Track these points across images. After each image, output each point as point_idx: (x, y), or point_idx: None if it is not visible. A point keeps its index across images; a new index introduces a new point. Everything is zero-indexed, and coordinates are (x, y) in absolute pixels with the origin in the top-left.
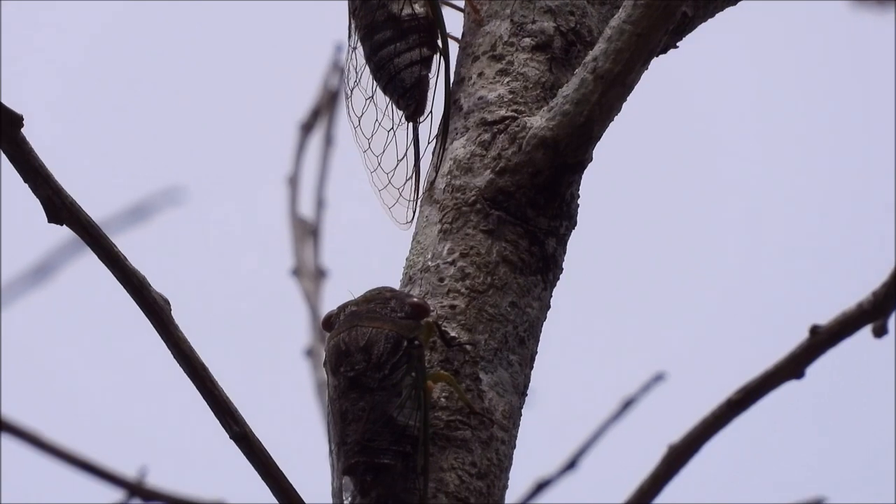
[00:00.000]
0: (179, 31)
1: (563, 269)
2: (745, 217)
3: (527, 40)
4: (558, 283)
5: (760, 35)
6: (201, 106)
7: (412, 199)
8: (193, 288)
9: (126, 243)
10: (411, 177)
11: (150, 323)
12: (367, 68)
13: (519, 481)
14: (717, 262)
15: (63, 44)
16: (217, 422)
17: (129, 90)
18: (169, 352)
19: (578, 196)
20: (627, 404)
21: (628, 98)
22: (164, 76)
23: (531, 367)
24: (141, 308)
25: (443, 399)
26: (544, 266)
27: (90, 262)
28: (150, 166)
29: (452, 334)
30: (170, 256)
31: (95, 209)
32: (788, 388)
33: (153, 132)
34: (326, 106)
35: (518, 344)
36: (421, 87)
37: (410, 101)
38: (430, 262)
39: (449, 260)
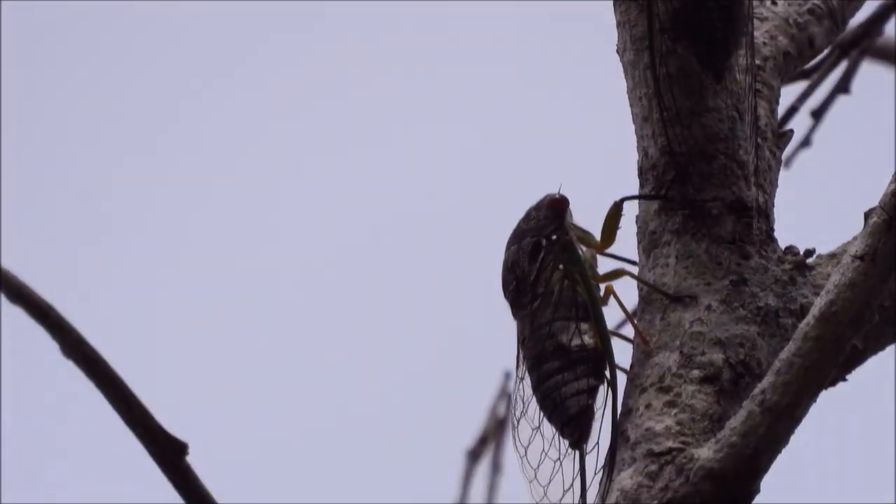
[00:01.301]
0: (354, 352)
1: None
2: None
3: (695, 372)
4: None
5: None
6: (378, 431)
7: None
8: None
9: None
10: None
11: None
12: (535, 399)
13: None
14: None
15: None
16: None
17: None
18: None
19: None
20: None
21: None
22: (336, 396)
23: None
24: None
25: None
26: None
27: None
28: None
29: None
30: None
31: None
32: None
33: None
34: (494, 433)
35: None
36: (586, 416)
37: (575, 429)
38: None
39: None
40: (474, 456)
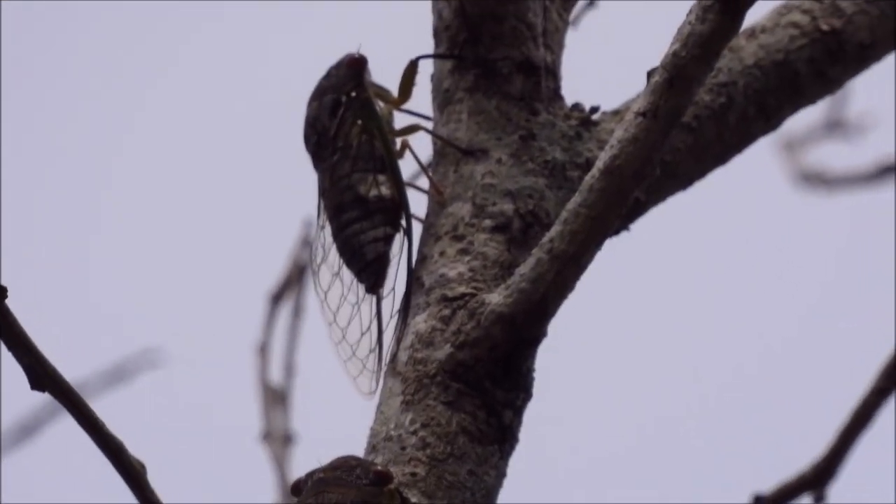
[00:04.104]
0: (157, 203)
1: (518, 438)
2: (688, 384)
3: (487, 221)
4: (514, 453)
5: (709, 215)
6: (180, 276)
7: (375, 370)
8: (168, 449)
9: (104, 404)
10: (374, 349)
11: (126, 485)
12: (334, 246)
13: None
14: (662, 429)
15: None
16: None
17: (109, 255)
18: None
19: (533, 369)
20: None
21: (582, 277)
22: (143, 244)
23: None
24: (118, 471)
25: None
26: (501, 436)
27: (70, 424)
28: (130, 330)
29: (414, 500)
30: (146, 418)
31: (76, 368)
32: None
33: (133, 297)
34: (296, 278)
35: None
36: (380, 262)
37: (371, 275)
38: (392, 432)
39: (411, 430)
40: (276, 299)
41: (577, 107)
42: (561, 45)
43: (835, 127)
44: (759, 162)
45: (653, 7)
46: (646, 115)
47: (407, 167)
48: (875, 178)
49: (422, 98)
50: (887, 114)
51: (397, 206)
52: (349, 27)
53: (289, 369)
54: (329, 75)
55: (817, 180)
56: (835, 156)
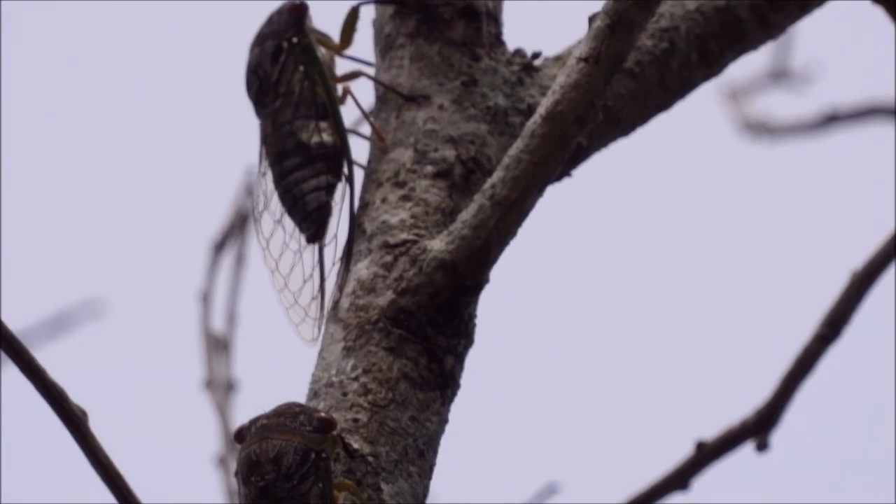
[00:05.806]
0: (98, 149)
1: (460, 385)
2: (631, 332)
3: (429, 168)
4: (456, 399)
5: (652, 163)
6: (123, 224)
7: (317, 317)
8: (111, 397)
9: (47, 353)
10: (316, 296)
11: (68, 432)
12: (276, 193)
13: None
14: (603, 376)
15: None
16: None
17: (50, 201)
18: (87, 460)
19: (475, 315)
20: None
21: (524, 223)
22: (86, 191)
23: (430, 478)
24: (60, 419)
25: None
26: (443, 382)
27: (12, 373)
28: (71, 278)
29: (355, 446)
30: (89, 366)
31: (18, 317)
32: (674, 499)
33: (76, 246)
34: (238, 226)
35: (417, 456)
36: (321, 211)
37: (311, 224)
38: (334, 378)
39: (352, 376)
40: (219, 247)
41: (518, 52)
42: None
43: (779, 76)
44: (703, 110)
45: None
46: (587, 61)
47: (349, 113)
48: (819, 127)
49: (363, 44)
50: (832, 63)
51: (339, 153)
52: None
53: (231, 317)
54: (270, 21)
55: (761, 129)
56: (779, 105)
